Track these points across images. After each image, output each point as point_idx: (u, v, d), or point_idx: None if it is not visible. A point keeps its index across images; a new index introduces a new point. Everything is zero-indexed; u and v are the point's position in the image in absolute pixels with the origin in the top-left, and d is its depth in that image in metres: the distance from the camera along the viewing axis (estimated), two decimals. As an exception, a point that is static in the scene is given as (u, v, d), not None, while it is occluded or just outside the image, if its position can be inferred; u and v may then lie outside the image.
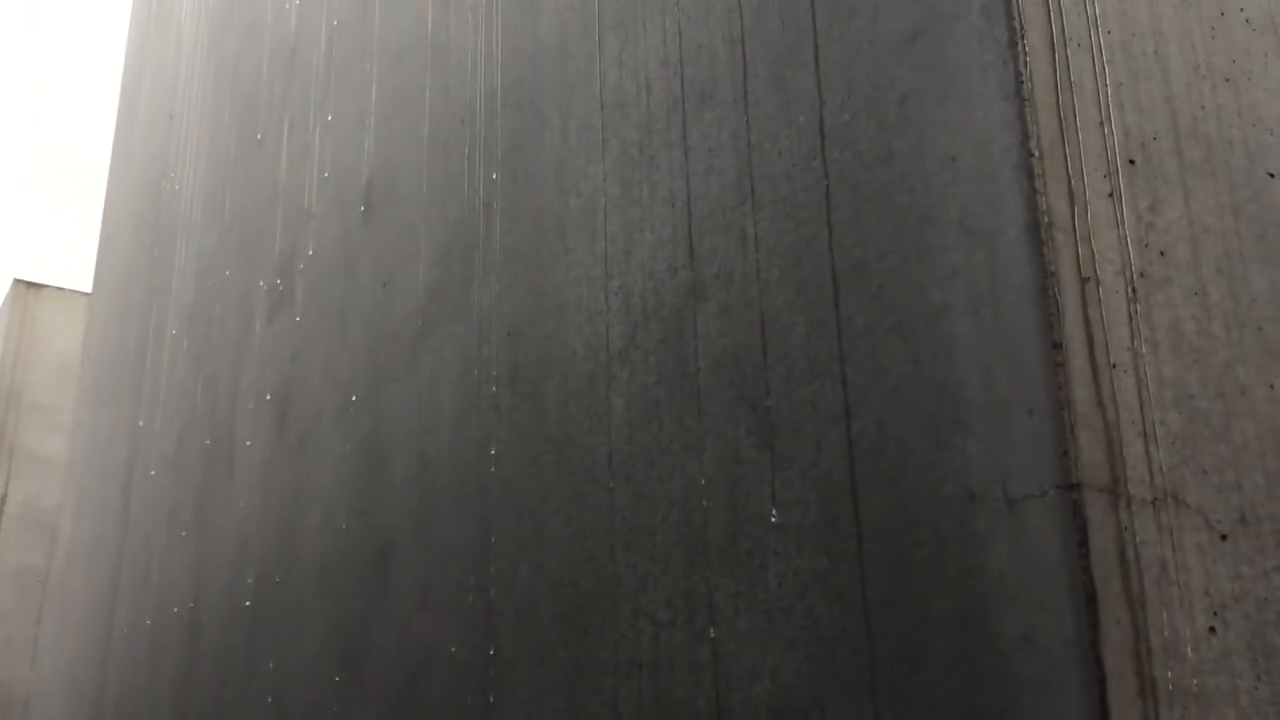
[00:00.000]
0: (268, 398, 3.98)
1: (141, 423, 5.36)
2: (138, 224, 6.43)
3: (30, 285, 9.69)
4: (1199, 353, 1.56)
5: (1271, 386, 1.60)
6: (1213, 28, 1.80)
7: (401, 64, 3.52)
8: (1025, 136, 1.54)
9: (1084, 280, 1.50)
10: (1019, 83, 1.57)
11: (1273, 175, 1.74)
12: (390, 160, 3.47)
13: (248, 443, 4.06)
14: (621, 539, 2.18)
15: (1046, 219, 1.51)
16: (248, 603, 3.75)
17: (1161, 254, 1.59)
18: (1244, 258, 1.66)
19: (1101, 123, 1.61)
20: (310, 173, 4.07)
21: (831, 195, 1.86)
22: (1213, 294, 1.61)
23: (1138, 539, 1.42)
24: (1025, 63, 1.57)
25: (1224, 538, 1.48)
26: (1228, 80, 1.77)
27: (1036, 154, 1.53)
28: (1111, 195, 1.57)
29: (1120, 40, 1.68)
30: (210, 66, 5.60)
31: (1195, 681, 1.39)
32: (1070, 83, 1.60)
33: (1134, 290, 1.54)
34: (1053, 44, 1.61)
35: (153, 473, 5.06)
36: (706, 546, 1.97)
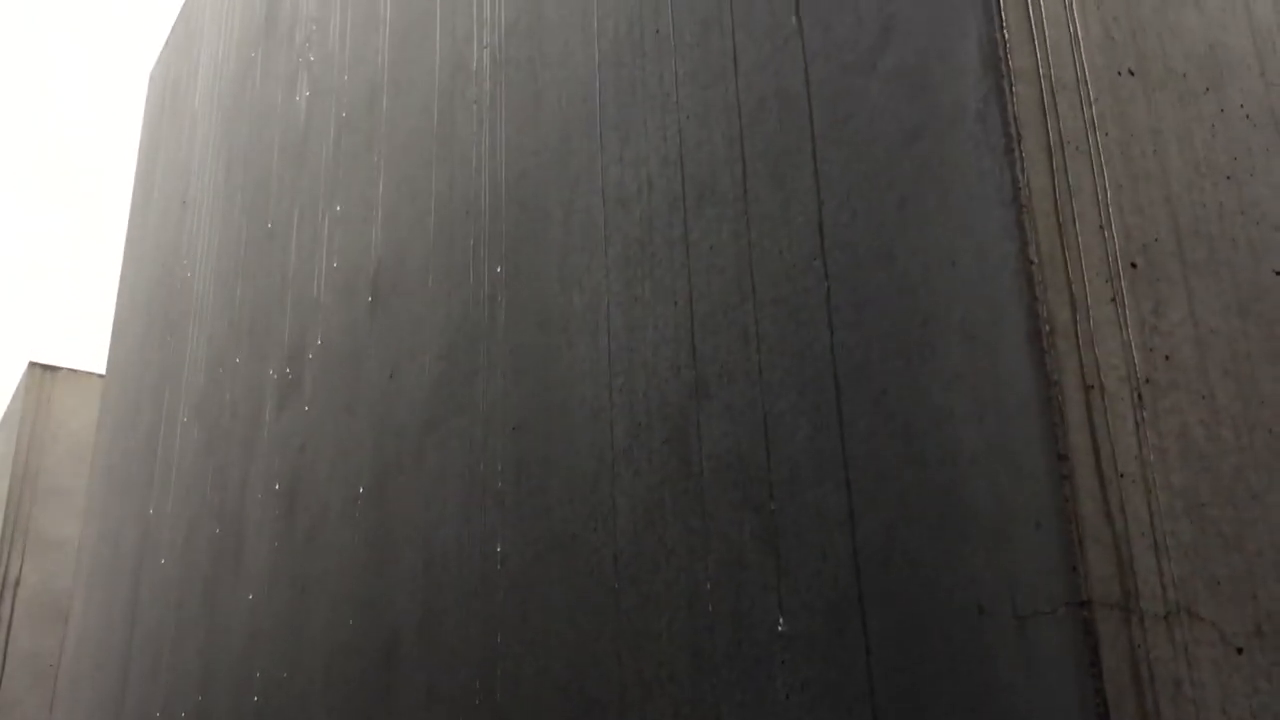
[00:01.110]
0: (276, 488, 3.96)
1: (152, 510, 5.34)
2: (150, 308, 6.47)
3: (45, 368, 9.74)
4: (1208, 459, 1.53)
5: (1284, 491, 1.57)
6: (1212, 125, 1.80)
7: (408, 156, 3.55)
8: (1024, 243, 1.53)
9: (1088, 388, 1.48)
10: (1016, 189, 1.56)
11: (1278, 273, 1.72)
12: (397, 252, 3.48)
13: (256, 533, 4.04)
14: (628, 643, 2.14)
15: (1048, 327, 1.49)
16: (255, 698, 3.70)
17: (1167, 358, 1.56)
18: (1251, 358, 1.63)
19: (1101, 226, 1.60)
20: (319, 262, 4.09)
21: (832, 296, 1.85)
22: (1221, 397, 1.58)
23: (1151, 655, 1.38)
24: (1022, 169, 1.57)
25: (1240, 651, 1.44)
26: (1229, 178, 1.76)
27: (1036, 260, 1.52)
28: (1114, 300, 1.55)
29: (1118, 141, 1.68)
30: (222, 154, 5.66)
31: (1216, 806, 1.34)
32: (1069, 186, 1.59)
33: (1140, 397, 1.52)
34: (1050, 148, 1.60)
35: (163, 561, 5.03)
36: (713, 654, 1.93)
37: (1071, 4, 1.72)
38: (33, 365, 9.76)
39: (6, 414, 10.32)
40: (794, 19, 2.05)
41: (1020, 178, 1.56)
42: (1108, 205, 1.62)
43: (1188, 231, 1.68)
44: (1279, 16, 1.96)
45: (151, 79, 8.01)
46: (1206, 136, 1.78)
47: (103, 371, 10.43)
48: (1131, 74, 1.74)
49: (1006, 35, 1.65)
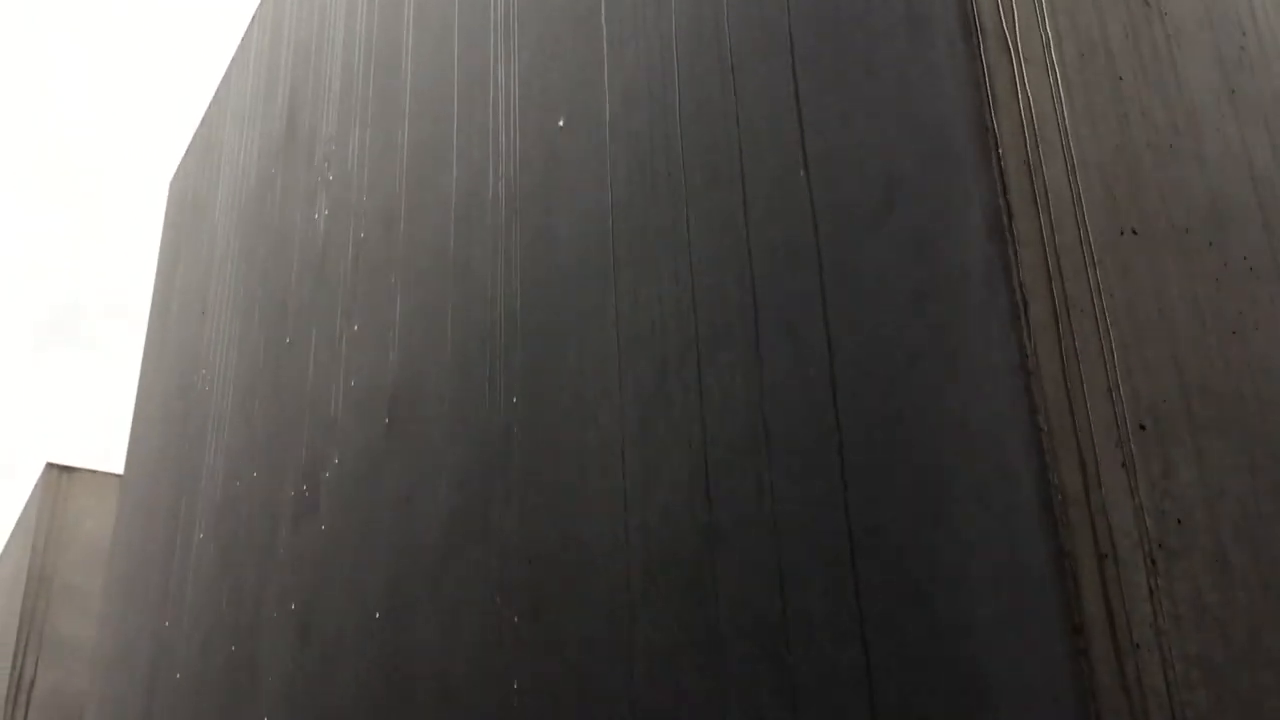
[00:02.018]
0: (292, 607, 3.96)
1: (168, 623, 5.34)
2: (168, 415, 6.51)
3: (63, 469, 9.78)
4: (1223, 624, 1.53)
5: (1302, 655, 1.57)
6: (1217, 279, 1.82)
7: (424, 281, 3.60)
8: (1033, 410, 1.55)
9: (1102, 557, 1.49)
10: (1024, 356, 1.58)
11: (1287, 428, 1.74)
12: (413, 375, 3.52)
13: (271, 654, 4.03)
14: (646, 792, 2.13)
15: (1060, 496, 1.50)
16: (269, 825, 3.66)
17: (1179, 521, 1.57)
18: (1263, 518, 1.64)
19: (1110, 389, 1.62)
20: (337, 381, 4.13)
21: (845, 451, 1.87)
22: (1234, 559, 1.59)
23: (1173, 834, 1.37)
24: (1029, 335, 1.59)
25: (1264, 825, 1.43)
26: (1234, 332, 1.79)
27: (1046, 429, 1.54)
28: (1124, 465, 1.57)
29: (1124, 302, 1.70)
30: (241, 266, 5.75)
31: None
32: (1076, 351, 1.61)
33: (1153, 563, 1.52)
34: (1056, 313, 1.63)
35: (178, 676, 5.01)
36: (732, 808, 1.92)
37: (1073, 167, 1.77)
38: (50, 466, 9.81)
39: (22, 515, 10.35)
40: (802, 173, 2.09)
41: (1027, 344, 1.59)
42: (1115, 368, 1.64)
43: (1195, 390, 1.70)
44: (1279, 165, 2.00)
45: (172, 186, 8.15)
46: (1211, 291, 1.81)
47: (119, 470, 10.47)
48: (1134, 233, 1.77)
49: (1009, 201, 1.69)
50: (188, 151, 7.84)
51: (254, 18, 6.67)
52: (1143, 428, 1.62)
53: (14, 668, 9.47)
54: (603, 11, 2.91)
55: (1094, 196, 1.77)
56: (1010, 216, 1.67)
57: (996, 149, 1.72)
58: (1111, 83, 1.89)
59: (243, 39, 6.82)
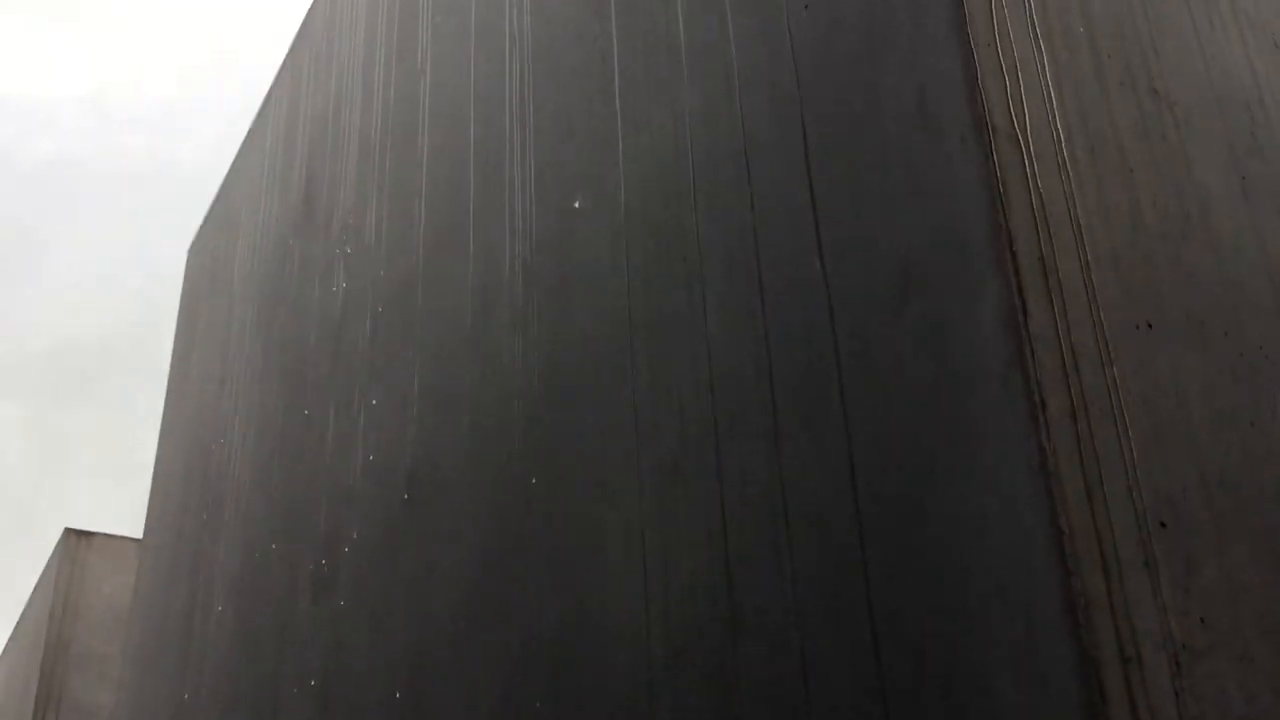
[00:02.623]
0: (312, 684, 3.95)
1: (187, 696, 5.32)
2: (187, 484, 6.54)
3: (80, 534, 9.81)
4: (1251, 725, 1.53)
5: (1331, 754, 1.56)
6: (1233, 369, 1.83)
7: (442, 356, 3.63)
8: (1054, 513, 1.55)
9: (1126, 660, 1.49)
10: (1043, 456, 1.59)
11: (1308, 519, 1.74)
12: (432, 451, 3.53)
13: (291, 730, 4.01)
14: None
15: (1083, 599, 1.50)
16: None
17: (1202, 620, 1.57)
18: (1288, 613, 1.64)
19: (1129, 487, 1.62)
20: (355, 454, 4.15)
21: (866, 543, 1.87)
22: (1258, 657, 1.58)
23: None
24: (1048, 435, 1.60)
25: None
26: (1252, 424, 1.79)
27: (1067, 531, 1.54)
28: (1147, 564, 1.57)
29: (1141, 397, 1.71)
30: (259, 336, 5.79)
31: None
32: (1095, 451, 1.62)
33: (1178, 664, 1.52)
34: (1074, 412, 1.64)
35: (196, 749, 4.99)
36: None
37: (1087, 262, 1.78)
38: (68, 532, 9.83)
39: (40, 580, 10.36)
40: (818, 261, 2.12)
41: (1046, 445, 1.59)
42: (1134, 465, 1.64)
43: (1215, 484, 1.70)
44: (1291, 254, 2.01)
45: (190, 254, 8.24)
46: (1228, 382, 1.81)
47: (137, 534, 10.49)
48: (1150, 327, 1.78)
49: (1025, 299, 1.70)
50: (206, 220, 7.93)
51: (270, 89, 6.77)
52: (1163, 525, 1.62)
53: (31, 735, 9.44)
54: (617, 93, 2.96)
55: (1108, 291, 1.78)
56: (1025, 314, 1.69)
57: (1010, 246, 1.74)
58: (1123, 175, 1.91)
59: (260, 110, 6.92)
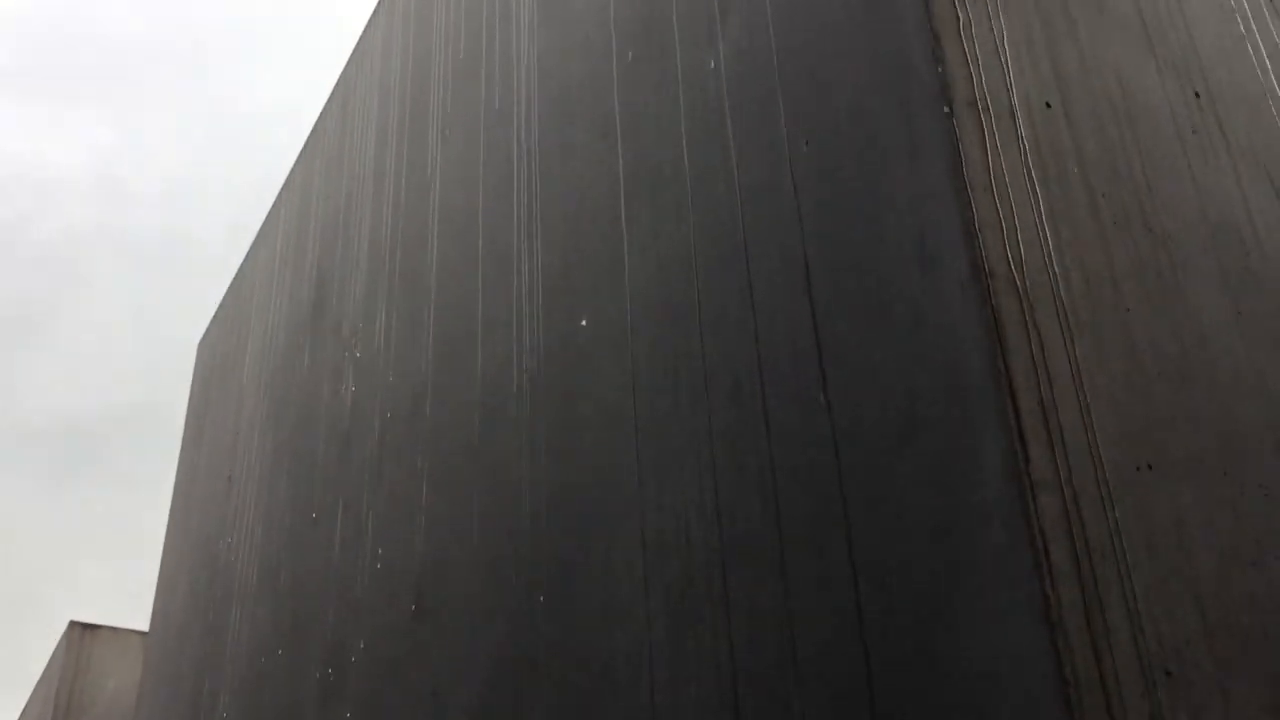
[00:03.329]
0: (318, 796, 3.92)
1: (190, 801, 5.27)
2: (194, 583, 6.53)
3: (86, 627, 9.76)
4: None
5: None
6: (1234, 508, 1.85)
7: (450, 467, 3.65)
8: (1059, 663, 1.56)
9: (1134, 816, 1.49)
10: (1046, 605, 1.60)
11: (1313, 662, 1.74)
12: (439, 563, 3.54)
13: (297, 843, 3.97)
14: None
15: (1089, 754, 1.51)
16: None
17: (1210, 772, 1.58)
18: (1296, 761, 1.64)
19: (1134, 636, 1.63)
20: (363, 561, 4.16)
21: (874, 681, 1.88)
22: (1268, 808, 1.58)
23: None
24: (1051, 584, 1.62)
25: None
26: (1254, 564, 1.81)
27: (1073, 681, 1.55)
28: (1152, 715, 1.58)
29: (1143, 540, 1.73)
30: (268, 435, 5.82)
31: None
32: (1099, 599, 1.64)
33: (1186, 818, 1.52)
34: (1077, 558, 1.66)
35: None
36: None
37: (1087, 405, 1.81)
38: (73, 624, 9.78)
39: (44, 674, 10.29)
40: (822, 396, 2.15)
41: (1050, 594, 1.61)
42: (1139, 612, 1.66)
43: (1219, 628, 1.71)
44: (1288, 389, 2.04)
45: (200, 348, 8.31)
46: (1229, 522, 1.83)
47: (141, 614, 10.43)
48: (1150, 468, 1.81)
49: (1025, 444, 1.73)
50: (216, 314, 8.01)
51: (282, 189, 6.88)
52: (1168, 674, 1.63)
53: (31, 833, 9.31)
54: (623, 216, 3.02)
55: (1108, 433, 1.81)
56: (1027, 459, 1.72)
57: (1010, 390, 1.77)
58: (1119, 314, 1.95)
59: (271, 208, 7.03)
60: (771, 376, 2.30)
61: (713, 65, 2.77)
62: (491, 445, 3.42)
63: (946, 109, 2.02)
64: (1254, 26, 2.65)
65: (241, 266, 7.55)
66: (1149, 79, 2.34)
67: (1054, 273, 1.93)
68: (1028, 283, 1.89)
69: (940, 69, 2.06)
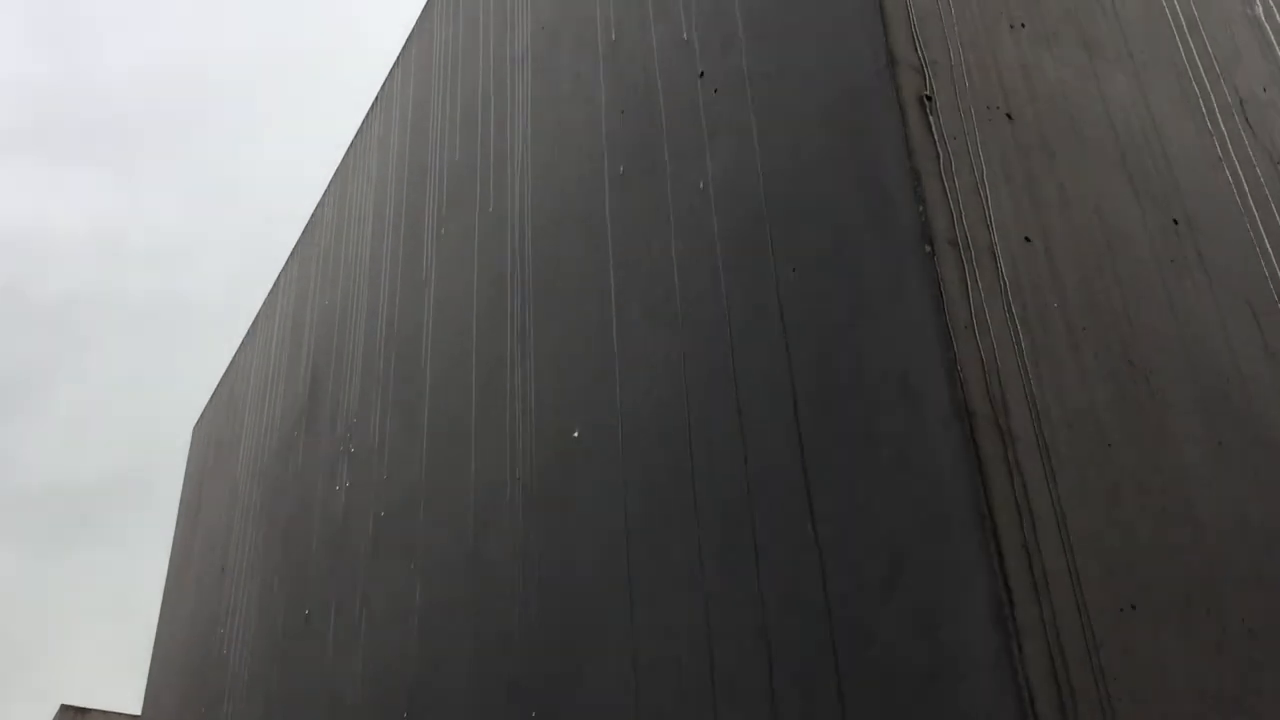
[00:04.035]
0: None
1: None
2: (187, 669, 6.48)
3: (76, 711, 9.66)
4: None
5: None
6: (1218, 647, 1.87)
7: (444, 573, 3.65)
8: (1045, 818, 1.57)
9: None
10: (1033, 757, 1.61)
11: (1300, 806, 1.75)
12: (432, 671, 3.53)
13: None
14: None
15: None
16: None
17: None
18: None
19: (1119, 786, 1.64)
20: (354, 662, 4.14)
21: (863, 823, 1.88)
22: None
23: None
24: (1036, 735, 1.63)
25: None
26: (1236, 701, 1.82)
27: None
28: None
29: (1128, 686, 1.74)
30: (262, 528, 5.82)
31: None
32: (1083, 749, 1.65)
33: None
34: (1063, 705, 1.67)
35: None
36: None
37: (1070, 545, 1.83)
38: (64, 708, 9.69)
39: (34, 759, 10.15)
40: (810, 527, 2.17)
41: (1035, 745, 1.62)
42: (1123, 761, 1.67)
43: (1205, 773, 1.72)
44: (1269, 523, 2.06)
45: (195, 432, 8.32)
46: (1213, 660, 1.84)
47: (133, 707, 10.31)
48: (1134, 609, 1.83)
49: (1010, 588, 1.75)
50: (212, 399, 8.03)
51: (278, 280, 6.94)
52: (1155, 824, 1.63)
53: None
54: (614, 330, 3.05)
55: (1091, 575, 1.83)
56: (1012, 605, 1.73)
57: (994, 534, 1.80)
58: (1101, 451, 1.98)
59: (267, 298, 7.08)
60: (761, 504, 2.32)
61: (702, 185, 2.83)
62: (484, 552, 3.43)
63: (928, 248, 2.06)
64: (1230, 148, 2.71)
65: (238, 352, 7.59)
66: (1128, 208, 2.39)
67: (1035, 410, 1.96)
68: (1009, 422, 1.92)
69: (921, 208, 2.10)
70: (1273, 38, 3.14)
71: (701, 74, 2.95)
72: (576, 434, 3.10)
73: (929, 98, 2.26)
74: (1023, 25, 2.55)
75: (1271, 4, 3.25)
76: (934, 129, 2.22)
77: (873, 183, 2.23)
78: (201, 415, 8.19)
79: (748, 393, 2.48)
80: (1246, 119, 2.84)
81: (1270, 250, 2.56)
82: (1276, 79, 3.01)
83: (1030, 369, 2.01)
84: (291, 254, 6.78)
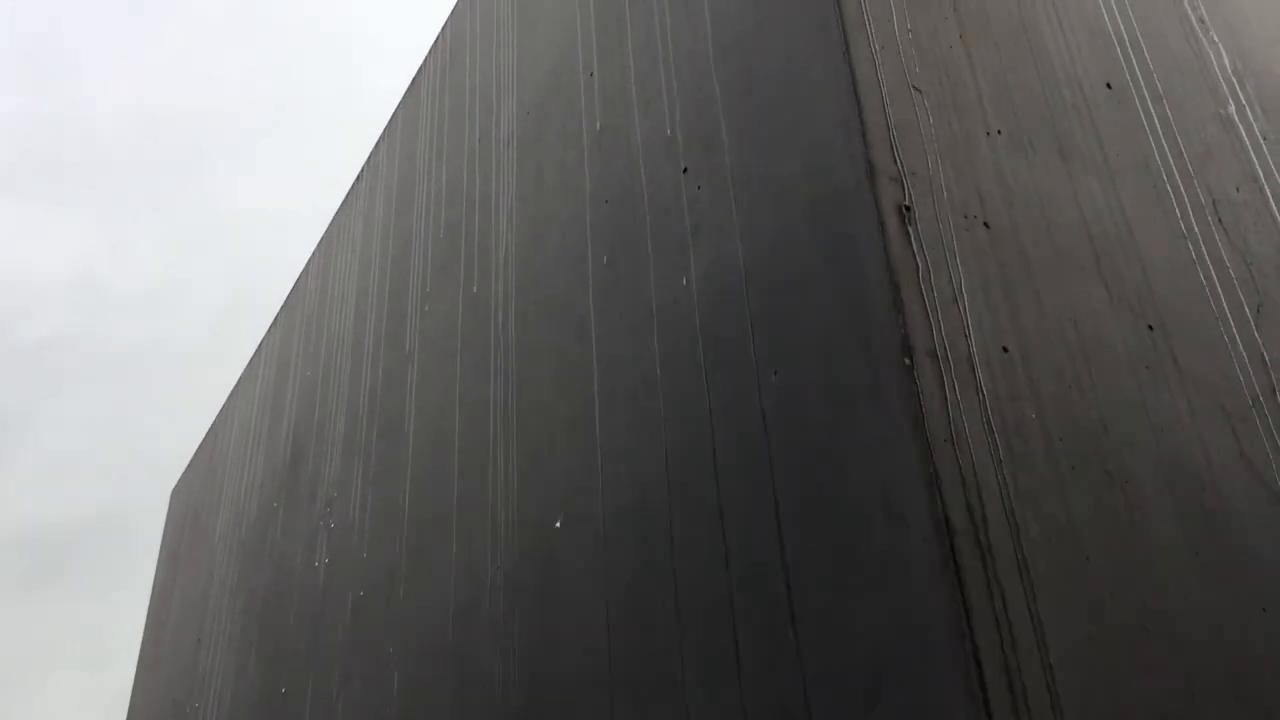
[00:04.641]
0: None
1: None
2: (159, 746, 6.40)
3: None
4: None
5: None
6: (1196, 766, 1.87)
7: (423, 659, 3.63)
8: None
9: None
10: None
11: None
12: (410, 759, 3.50)
13: None
14: None
15: None
16: None
17: None
18: None
19: None
20: (332, 746, 4.10)
21: None
22: None
23: None
24: None
25: None
26: (1219, 826, 1.82)
27: None
28: None
29: (1107, 808, 1.75)
30: (239, 600, 5.77)
31: None
32: None
33: None
34: (1042, 834, 1.67)
35: None
36: None
37: (1049, 665, 1.84)
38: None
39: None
40: (791, 634, 2.17)
41: None
42: None
43: None
44: (1245, 635, 2.07)
45: (173, 496, 8.26)
46: (1192, 782, 1.85)
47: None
48: (1113, 729, 1.83)
49: (990, 710, 1.75)
50: (191, 464, 7.99)
51: (259, 347, 6.94)
52: None
53: None
54: (597, 422, 3.07)
55: (1071, 694, 1.83)
56: (991, 728, 1.74)
57: (974, 653, 1.80)
58: (1079, 566, 1.99)
59: (248, 365, 7.07)
60: (742, 607, 2.33)
61: (685, 282, 2.86)
62: (464, 639, 3.41)
63: (908, 360, 2.09)
64: (1205, 253, 2.75)
65: (217, 418, 7.57)
66: (1103, 314, 2.43)
67: (1014, 525, 1.98)
68: (989, 538, 1.93)
69: (901, 319, 2.13)
70: (1245, 137, 3.21)
71: (685, 170, 2.99)
72: (558, 525, 3.11)
73: (908, 208, 2.30)
74: (999, 132, 2.59)
75: (1244, 102, 3.32)
76: (913, 240, 2.25)
77: (853, 292, 2.26)
78: (180, 480, 8.14)
79: (730, 493, 2.49)
80: (1220, 220, 2.89)
81: (1244, 354, 2.60)
82: (1249, 179, 3.07)
83: (1009, 483, 2.03)
84: (274, 323, 6.78)
